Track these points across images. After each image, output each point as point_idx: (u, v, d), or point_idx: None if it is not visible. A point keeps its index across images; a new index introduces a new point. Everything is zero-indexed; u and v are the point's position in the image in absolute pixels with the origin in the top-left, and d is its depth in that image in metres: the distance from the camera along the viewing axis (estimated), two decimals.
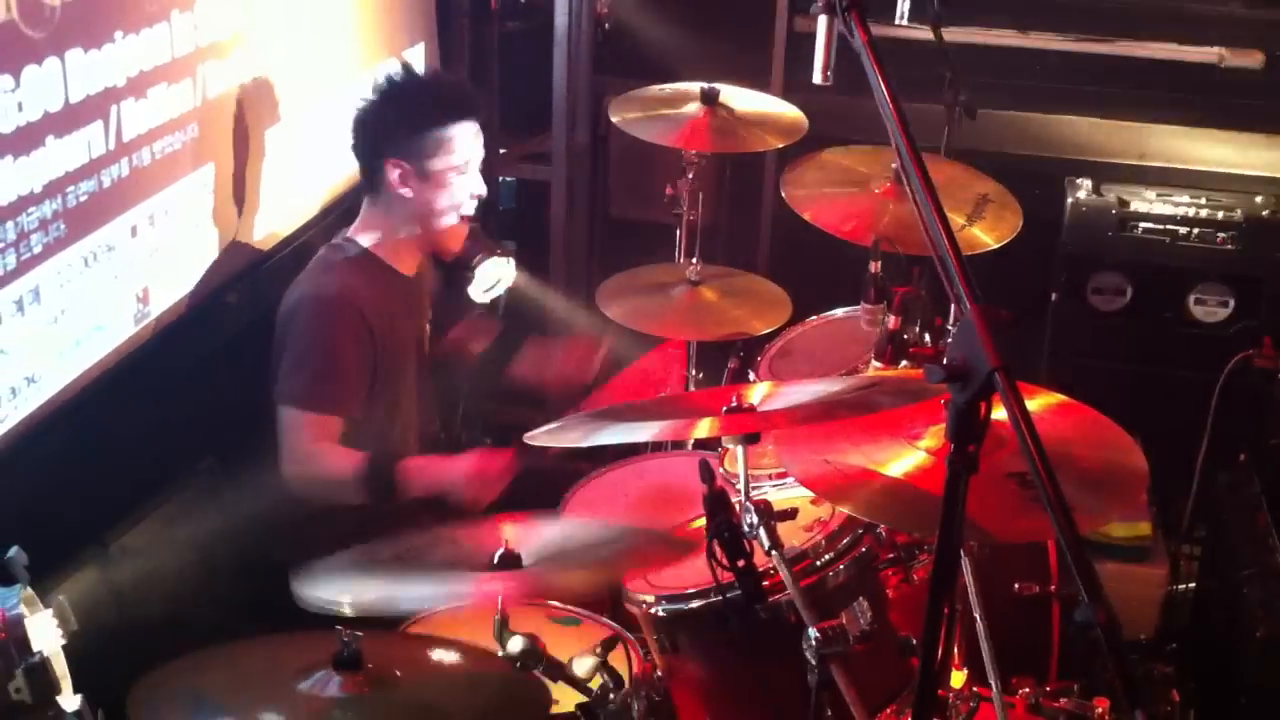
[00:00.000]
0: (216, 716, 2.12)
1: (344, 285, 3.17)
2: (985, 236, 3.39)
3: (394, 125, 3.20)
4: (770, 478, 2.92)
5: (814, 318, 3.69)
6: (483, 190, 3.30)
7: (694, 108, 3.83)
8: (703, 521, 2.34)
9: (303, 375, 3.10)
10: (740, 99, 3.89)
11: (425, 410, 3.50)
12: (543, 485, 3.12)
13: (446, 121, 3.19)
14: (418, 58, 4.25)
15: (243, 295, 3.39)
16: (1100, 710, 2.78)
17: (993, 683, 2.53)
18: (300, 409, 3.09)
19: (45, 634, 2.04)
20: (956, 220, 3.38)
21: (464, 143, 3.22)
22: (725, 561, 2.29)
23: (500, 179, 4.93)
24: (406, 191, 3.19)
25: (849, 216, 3.46)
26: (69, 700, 2.06)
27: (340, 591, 2.20)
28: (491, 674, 2.30)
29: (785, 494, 2.85)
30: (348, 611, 2.15)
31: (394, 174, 3.18)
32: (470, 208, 3.29)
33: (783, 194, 3.59)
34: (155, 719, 2.06)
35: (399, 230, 3.26)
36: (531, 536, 2.40)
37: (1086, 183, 4.46)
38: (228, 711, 2.13)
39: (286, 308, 3.18)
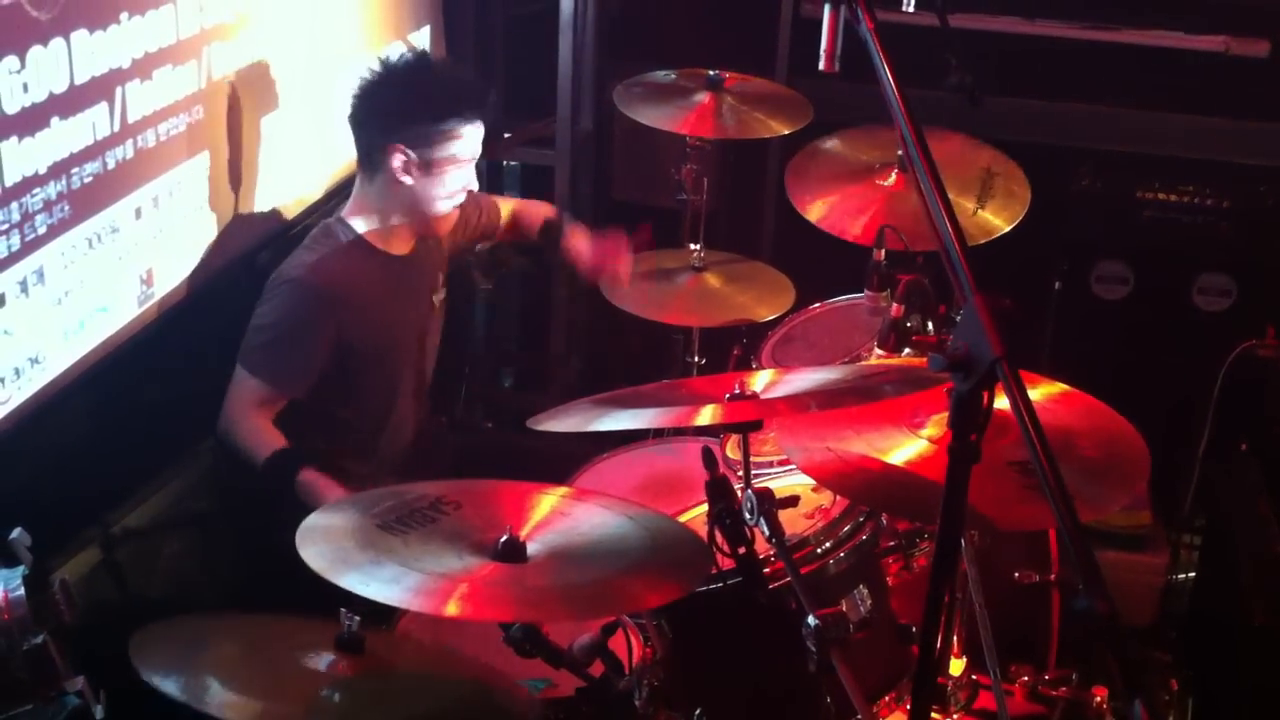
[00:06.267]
0: (212, 674, 2.13)
1: (324, 269, 3.19)
2: (996, 219, 3.37)
3: (406, 112, 3.19)
4: (772, 465, 2.93)
5: (817, 305, 3.69)
6: (475, 185, 3.30)
7: (699, 94, 3.82)
8: (704, 508, 2.35)
9: (257, 341, 3.17)
10: (745, 85, 3.89)
11: (421, 388, 3.51)
12: (544, 471, 3.13)
13: (462, 119, 3.20)
14: (423, 40, 4.25)
15: (246, 277, 3.39)
16: (1099, 698, 2.79)
17: (992, 670, 2.54)
18: (247, 371, 3.16)
19: None
20: (966, 205, 3.37)
21: (472, 140, 3.23)
22: (726, 548, 2.29)
23: (505, 163, 4.93)
24: (407, 179, 3.20)
25: (852, 213, 3.45)
26: (71, 681, 2.07)
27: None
28: (488, 660, 2.31)
29: (787, 481, 2.86)
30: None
31: (397, 160, 3.18)
32: (460, 199, 3.29)
33: (787, 195, 3.58)
34: (156, 663, 2.08)
35: (391, 216, 3.27)
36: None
37: (1090, 171, 4.45)
38: (223, 671, 2.14)
39: (274, 276, 3.23)
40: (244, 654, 2.22)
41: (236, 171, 3.34)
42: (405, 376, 3.41)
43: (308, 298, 3.16)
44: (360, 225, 3.28)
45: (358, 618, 2.16)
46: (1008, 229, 3.36)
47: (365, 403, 3.32)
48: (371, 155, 3.25)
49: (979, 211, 3.38)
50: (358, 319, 3.22)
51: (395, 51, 3.29)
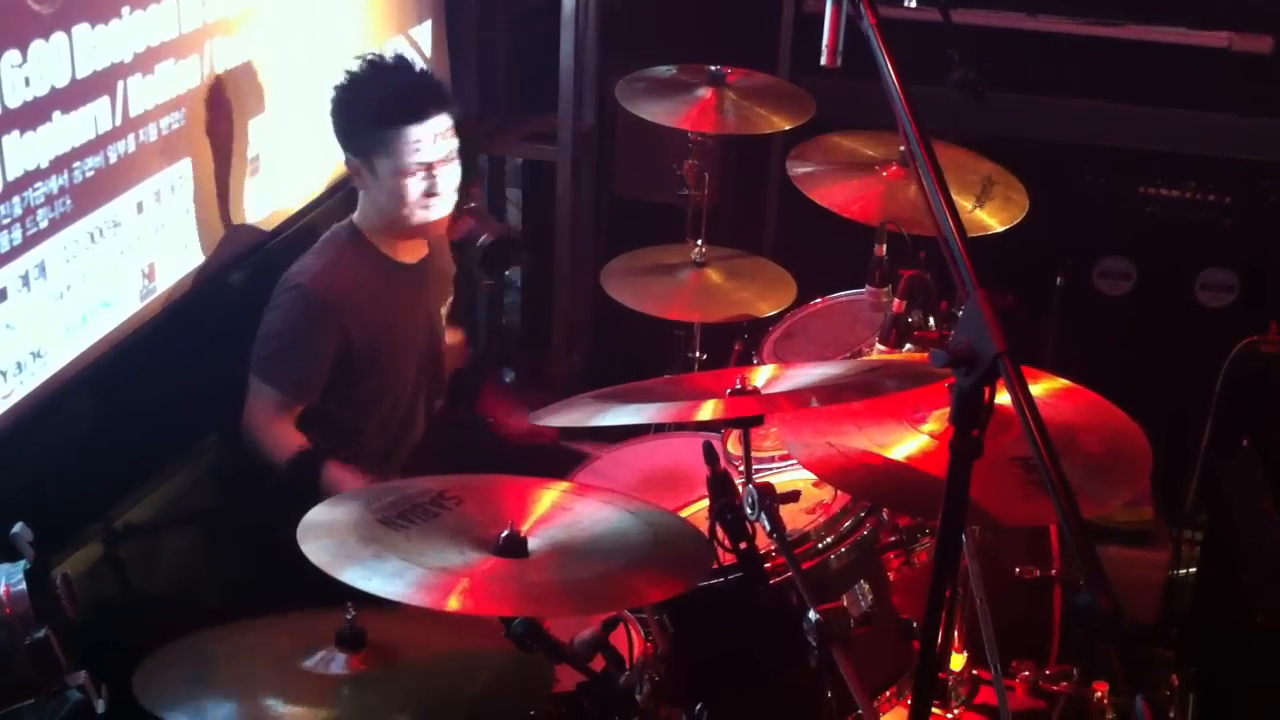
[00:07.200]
0: (221, 695, 2.12)
1: (328, 276, 3.19)
2: (991, 220, 3.37)
3: (346, 125, 3.22)
4: (773, 460, 2.93)
5: (819, 300, 3.69)
6: (440, 191, 3.20)
7: (701, 89, 3.82)
8: (705, 503, 2.35)
9: (269, 350, 3.18)
10: (747, 81, 3.88)
11: (430, 391, 3.51)
12: (545, 466, 3.13)
13: (394, 124, 3.13)
14: (424, 35, 4.24)
15: (248, 273, 3.39)
16: (1100, 694, 2.80)
17: (993, 666, 2.54)
18: (260, 379, 3.17)
19: None
20: (964, 204, 3.37)
21: (417, 145, 3.14)
22: (728, 543, 2.29)
23: (507, 159, 4.93)
24: (362, 187, 3.23)
25: (855, 199, 3.45)
26: (73, 676, 2.07)
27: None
28: (493, 653, 2.31)
29: (788, 476, 2.86)
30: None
31: (352, 172, 3.22)
32: (437, 206, 3.23)
33: (789, 174, 3.57)
34: (160, 698, 2.07)
35: (379, 219, 3.27)
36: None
37: (1093, 167, 4.45)
38: (233, 690, 2.14)
39: (281, 280, 3.23)
40: (248, 671, 2.20)
41: (239, 166, 3.34)
42: (410, 379, 3.40)
43: (312, 305, 3.17)
44: (363, 226, 3.29)
45: (356, 613, 2.16)
46: (1001, 229, 3.35)
47: (366, 404, 3.32)
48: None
49: (975, 210, 3.37)
50: (361, 324, 3.22)
51: (355, 62, 3.26)
